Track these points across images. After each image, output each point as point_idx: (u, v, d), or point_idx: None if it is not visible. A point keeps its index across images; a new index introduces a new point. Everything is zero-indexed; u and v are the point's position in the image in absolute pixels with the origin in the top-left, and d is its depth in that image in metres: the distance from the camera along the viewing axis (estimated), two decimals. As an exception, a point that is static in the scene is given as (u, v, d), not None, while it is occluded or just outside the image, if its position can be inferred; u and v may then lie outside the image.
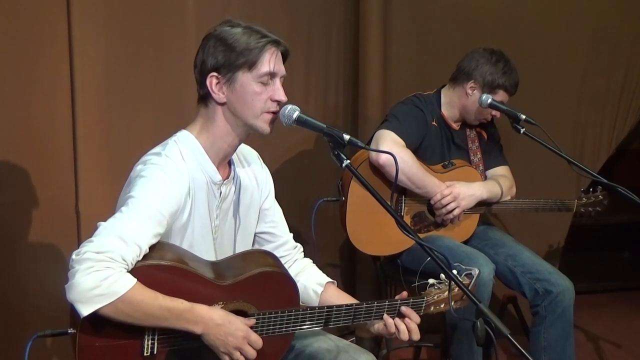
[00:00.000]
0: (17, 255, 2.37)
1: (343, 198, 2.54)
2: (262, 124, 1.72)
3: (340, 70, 3.24)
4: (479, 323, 1.49)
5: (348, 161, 1.67)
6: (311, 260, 2.06)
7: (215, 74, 1.69)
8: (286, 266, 1.99)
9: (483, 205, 2.69)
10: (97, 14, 2.45)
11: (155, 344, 1.60)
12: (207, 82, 1.69)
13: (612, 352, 3.29)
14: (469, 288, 1.81)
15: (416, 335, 1.80)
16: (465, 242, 2.73)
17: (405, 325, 1.80)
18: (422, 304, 1.84)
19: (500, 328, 1.45)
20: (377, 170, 2.51)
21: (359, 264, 3.34)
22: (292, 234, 2.04)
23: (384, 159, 2.44)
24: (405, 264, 2.62)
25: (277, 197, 2.01)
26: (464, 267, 1.89)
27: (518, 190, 2.81)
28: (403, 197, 2.61)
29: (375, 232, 2.56)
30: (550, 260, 3.03)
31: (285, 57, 1.75)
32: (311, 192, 3.11)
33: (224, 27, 1.71)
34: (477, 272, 1.86)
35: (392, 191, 1.93)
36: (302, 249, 2.06)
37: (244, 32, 1.69)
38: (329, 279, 1.98)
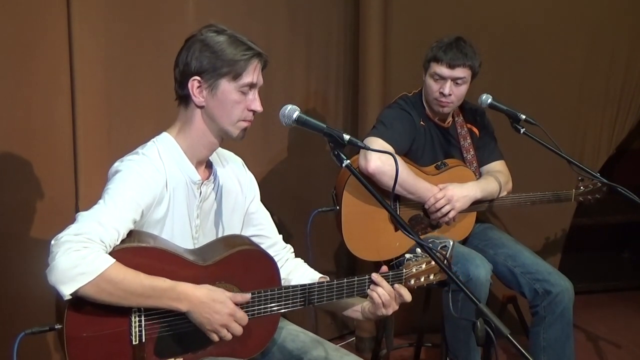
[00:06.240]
0: (17, 254, 2.37)
1: (337, 207, 2.54)
2: (237, 131, 1.79)
3: (340, 70, 3.24)
4: (479, 323, 1.49)
5: (348, 161, 1.68)
6: (302, 260, 2.07)
7: (197, 77, 1.73)
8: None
9: (479, 204, 2.68)
10: (97, 14, 2.45)
11: (143, 331, 1.62)
12: (189, 85, 1.74)
13: (612, 352, 3.29)
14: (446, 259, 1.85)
15: (407, 297, 1.83)
16: (465, 242, 2.73)
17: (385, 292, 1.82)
18: (402, 276, 1.87)
19: (500, 328, 1.46)
20: (369, 180, 2.44)
21: (359, 269, 3.33)
22: (281, 235, 2.05)
23: (373, 167, 2.42)
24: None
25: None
26: (437, 241, 1.93)
27: (517, 186, 2.80)
28: (397, 203, 2.59)
29: (372, 239, 2.56)
30: (550, 260, 3.03)
31: (264, 67, 1.80)
32: (310, 195, 3.10)
33: (209, 33, 1.75)
34: (451, 243, 1.89)
35: (392, 190, 1.92)
36: (292, 250, 2.07)
37: (230, 41, 1.73)
38: (321, 275, 1.99)
